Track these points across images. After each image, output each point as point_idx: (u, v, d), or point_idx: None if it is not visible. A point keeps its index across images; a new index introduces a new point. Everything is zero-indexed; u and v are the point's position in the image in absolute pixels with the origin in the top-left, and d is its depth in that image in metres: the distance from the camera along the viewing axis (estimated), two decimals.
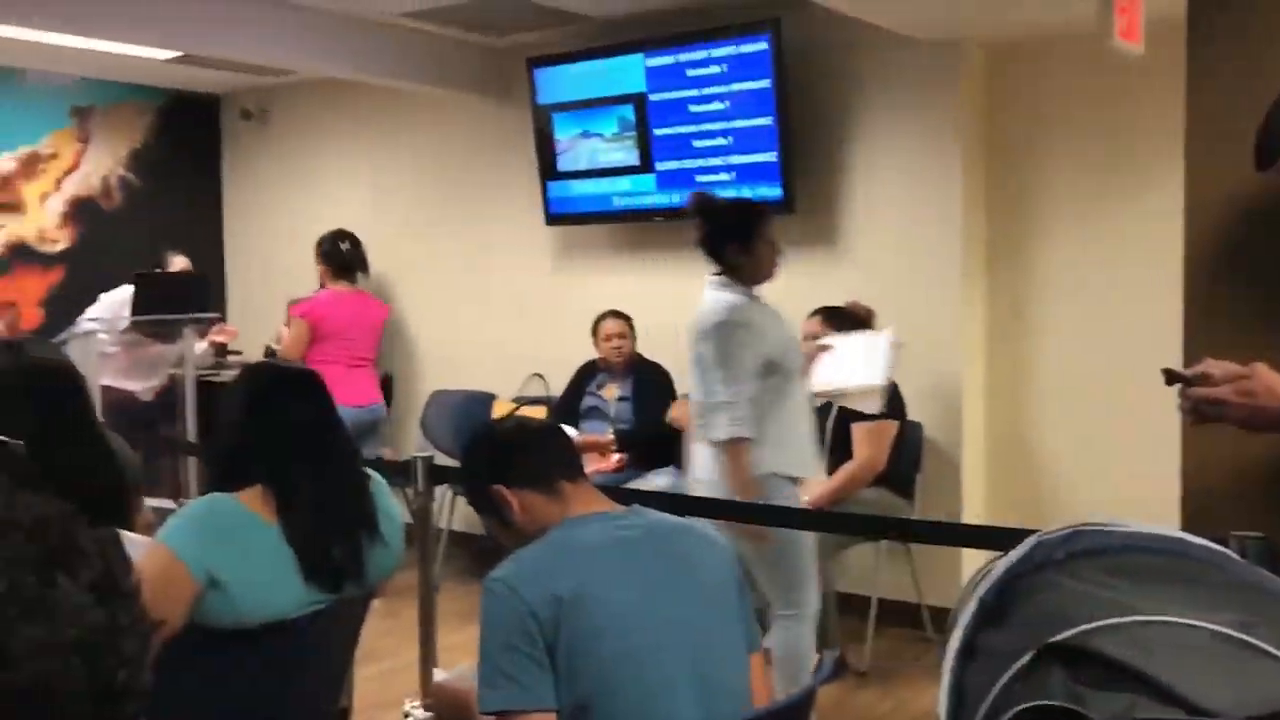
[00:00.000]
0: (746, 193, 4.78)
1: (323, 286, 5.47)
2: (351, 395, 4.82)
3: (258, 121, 6.78)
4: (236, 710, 2.10)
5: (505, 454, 1.99)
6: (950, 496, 4.53)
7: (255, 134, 6.83)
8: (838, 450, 4.17)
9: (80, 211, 6.37)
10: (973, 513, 4.56)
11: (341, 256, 5.39)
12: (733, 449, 3.21)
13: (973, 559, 4.48)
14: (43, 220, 6.23)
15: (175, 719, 1.97)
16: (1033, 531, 0.78)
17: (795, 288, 4.77)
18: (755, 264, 3.37)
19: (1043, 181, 4.54)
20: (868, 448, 4.14)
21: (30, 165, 6.18)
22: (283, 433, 2.16)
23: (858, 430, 4.15)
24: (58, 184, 6.29)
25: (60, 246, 6.29)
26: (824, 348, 3.92)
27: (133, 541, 2.21)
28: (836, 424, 4.18)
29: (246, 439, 2.18)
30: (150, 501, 3.00)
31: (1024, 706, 0.66)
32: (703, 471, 3.35)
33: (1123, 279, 4.37)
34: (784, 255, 4.86)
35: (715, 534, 2.11)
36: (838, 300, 4.36)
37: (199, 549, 2.00)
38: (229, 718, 2.10)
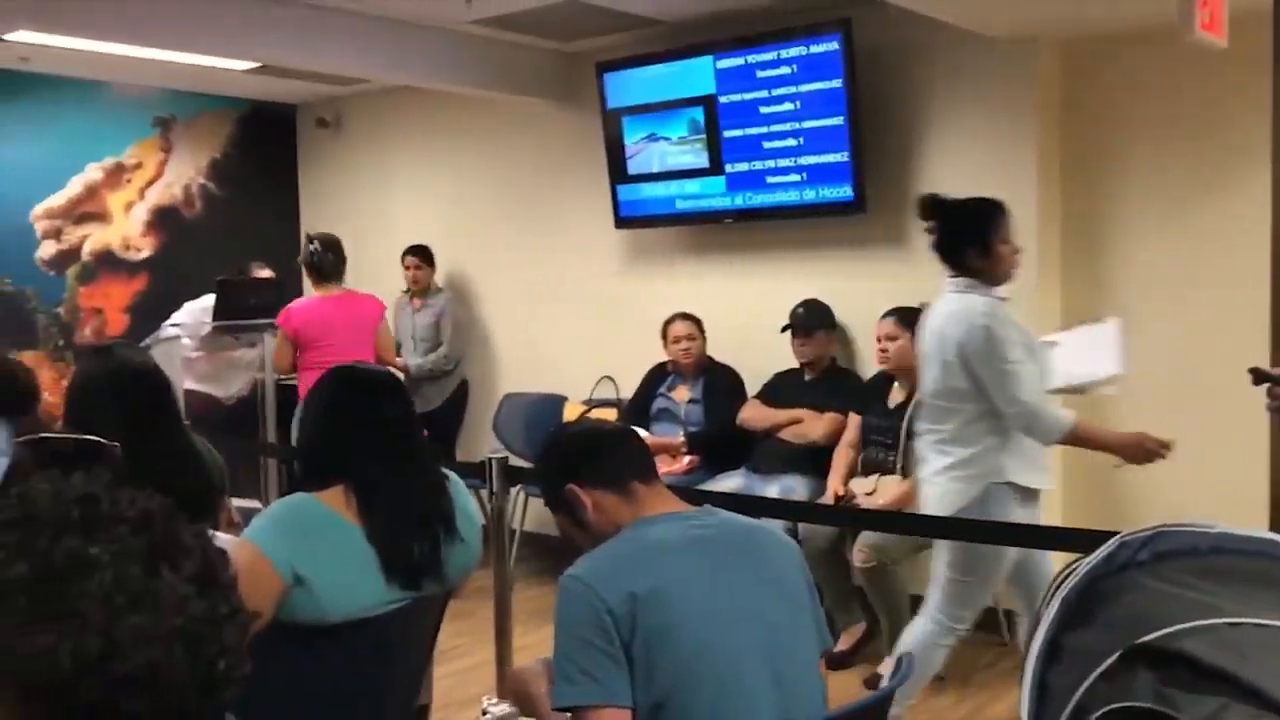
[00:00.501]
0: (816, 194, 4.77)
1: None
2: None
3: (332, 130, 6.91)
4: (319, 706, 2.14)
5: (579, 454, 2.02)
6: None
7: (330, 142, 6.96)
8: (913, 452, 4.13)
9: (163, 220, 6.54)
10: (1049, 514, 4.48)
11: (312, 261, 5.24)
12: (1074, 435, 3.16)
13: (1051, 562, 4.41)
14: (127, 229, 6.41)
15: (259, 714, 2.03)
16: (1114, 533, 0.77)
17: (867, 289, 4.76)
18: (995, 265, 3.25)
19: (1121, 181, 4.45)
20: None
21: (116, 175, 6.36)
22: (363, 434, 2.20)
23: None
24: (141, 193, 6.46)
25: (144, 254, 6.47)
26: (1049, 344, 3.78)
27: (219, 540, 2.27)
28: (911, 425, 4.14)
29: (328, 440, 2.23)
30: (235, 502, 3.07)
31: (1112, 708, 0.66)
32: (933, 474, 3.27)
33: (1206, 279, 4.26)
34: (857, 256, 4.88)
35: (784, 534, 2.13)
36: (910, 302, 4.32)
37: (284, 547, 2.05)
38: (312, 714, 2.14)
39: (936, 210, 3.32)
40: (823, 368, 4.73)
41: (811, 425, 4.59)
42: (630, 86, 5.23)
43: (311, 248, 5.29)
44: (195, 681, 0.81)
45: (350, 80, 6.20)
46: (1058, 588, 0.76)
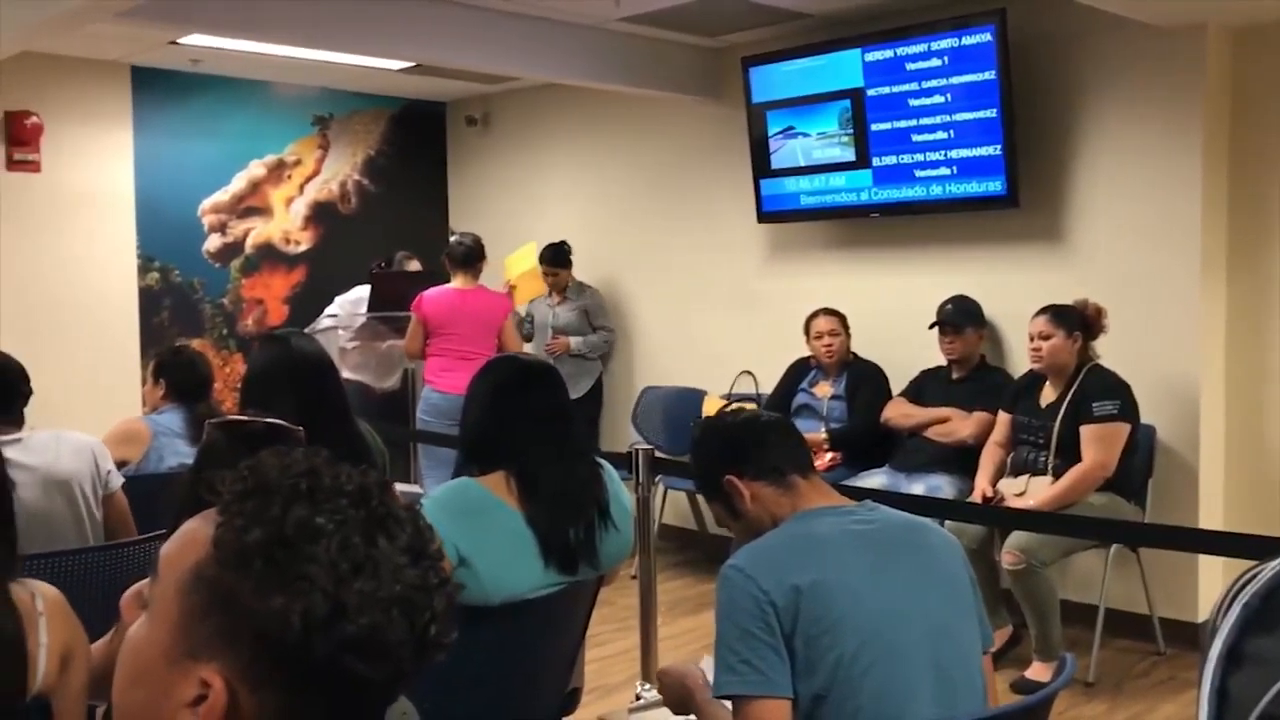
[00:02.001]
0: (967, 187, 4.68)
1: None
2: (451, 384, 5.09)
3: (480, 127, 7.07)
4: (478, 687, 2.21)
5: (740, 445, 2.01)
6: (1184, 503, 4.30)
7: (478, 139, 7.13)
8: (1065, 453, 4.03)
9: (320, 214, 6.80)
10: (1209, 521, 4.32)
11: (454, 252, 5.44)
12: None
13: (1210, 569, 4.26)
14: (287, 223, 6.68)
15: (420, 693, 2.11)
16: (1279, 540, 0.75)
17: (1019, 285, 4.66)
18: None
19: None
20: (1097, 451, 3.98)
21: (277, 171, 6.64)
22: (524, 421, 2.27)
23: (1087, 432, 3.99)
24: (301, 189, 6.73)
25: (302, 248, 6.73)
26: None
27: None
28: (1064, 425, 4.04)
29: (490, 427, 2.31)
30: (400, 487, 3.18)
31: None
32: None
33: None
34: (1008, 251, 4.77)
35: (946, 532, 2.09)
36: (1064, 299, 4.21)
37: (450, 529, 2.12)
38: (471, 694, 2.20)
39: None
40: (971, 365, 4.64)
41: (959, 424, 4.51)
42: (776, 81, 5.22)
43: (452, 240, 5.56)
44: (411, 645, 0.86)
45: (499, 78, 6.34)
46: (1237, 593, 0.75)
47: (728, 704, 1.81)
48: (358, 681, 0.84)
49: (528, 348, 5.84)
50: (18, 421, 2.78)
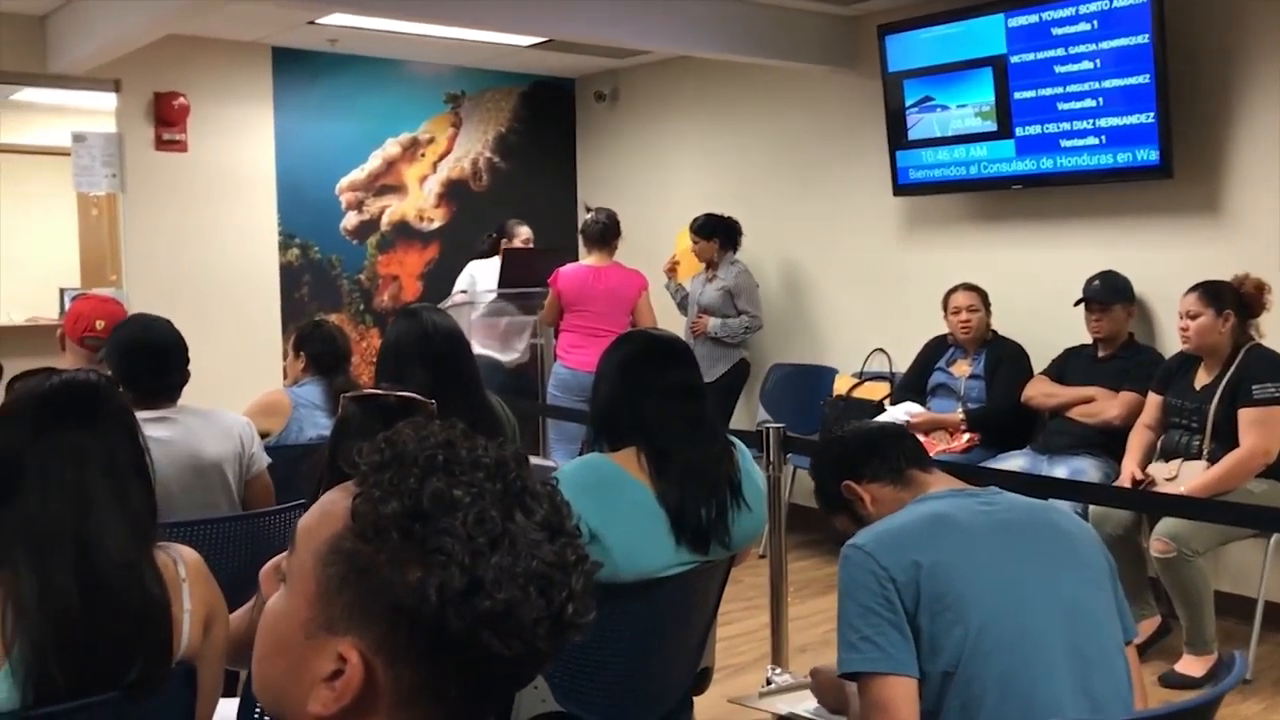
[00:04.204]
0: (1117, 157, 4.47)
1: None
2: (579, 360, 5.13)
3: (609, 103, 7.06)
4: (609, 665, 2.19)
5: (854, 453, 2.03)
6: None
7: (606, 114, 7.11)
8: (1221, 437, 3.82)
9: (452, 192, 6.88)
10: None
11: (589, 229, 5.45)
12: None
13: None
14: (420, 200, 6.79)
15: (551, 670, 2.10)
16: None
17: (1173, 260, 4.43)
18: None
19: None
20: (1257, 435, 3.76)
21: (411, 149, 6.74)
22: (655, 397, 2.23)
23: (1245, 416, 3.77)
24: (434, 166, 6.83)
25: (435, 225, 6.83)
26: None
27: None
28: (1220, 408, 3.83)
29: (619, 402, 2.27)
30: (533, 460, 3.19)
31: None
32: None
33: None
34: (1161, 224, 4.54)
35: (1079, 518, 2.04)
36: (1223, 274, 3.98)
37: (581, 504, 2.07)
38: (602, 673, 2.19)
39: None
40: (1118, 344, 4.43)
41: (1105, 404, 4.32)
42: (913, 49, 5.07)
43: (588, 216, 5.56)
44: (548, 623, 0.83)
45: (628, 53, 6.31)
46: None
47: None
48: (493, 659, 0.82)
49: (680, 323, 5.77)
50: (172, 396, 2.80)
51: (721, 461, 2.27)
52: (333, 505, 0.87)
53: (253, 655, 0.90)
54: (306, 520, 0.89)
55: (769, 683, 2.18)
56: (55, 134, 6.38)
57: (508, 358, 5.98)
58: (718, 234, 5.70)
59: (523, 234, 6.04)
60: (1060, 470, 4.23)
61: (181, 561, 1.71)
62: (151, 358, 2.75)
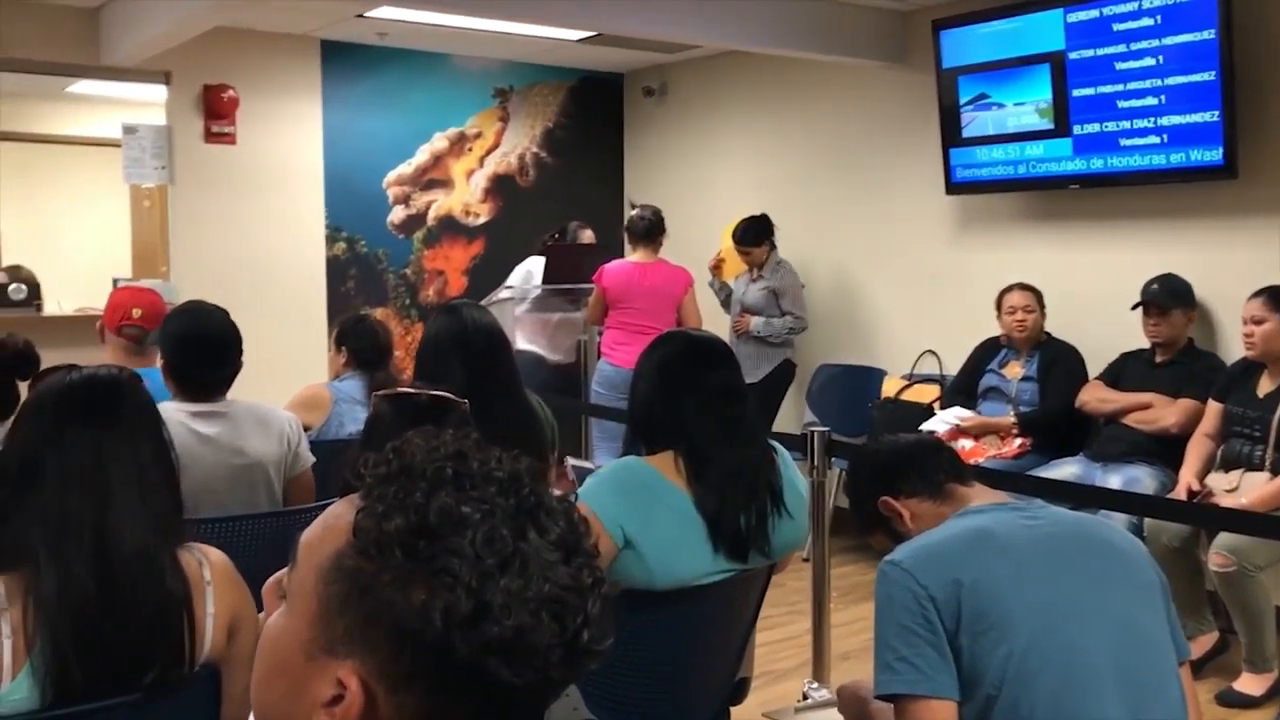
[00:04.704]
0: (1179, 157, 4.33)
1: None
2: (624, 358, 5.03)
3: (657, 98, 7.00)
4: (643, 674, 2.14)
5: (888, 467, 1.96)
6: None
7: (655, 110, 7.05)
8: None
9: (499, 187, 6.86)
10: None
11: (634, 225, 5.39)
12: None
13: None
14: (467, 195, 6.77)
15: (585, 678, 2.05)
16: None
17: (1236, 264, 4.29)
18: None
19: None
20: None
21: (458, 144, 6.72)
22: (691, 398, 2.17)
23: None
24: (481, 161, 6.80)
25: (481, 220, 6.81)
26: None
27: None
28: None
29: (656, 404, 2.21)
30: (571, 461, 3.14)
31: None
32: None
33: None
34: (1225, 227, 4.41)
35: (1128, 531, 1.95)
36: None
37: (615, 509, 2.05)
38: (636, 681, 2.13)
39: None
40: (1177, 349, 4.29)
41: (1162, 411, 4.19)
42: (969, 44, 4.95)
43: (633, 213, 5.49)
44: (561, 650, 0.77)
45: (677, 47, 6.24)
46: None
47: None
48: (503, 688, 0.76)
49: (722, 322, 5.69)
50: (222, 390, 2.73)
51: (762, 466, 2.20)
52: (336, 519, 0.82)
53: (252, 677, 0.86)
54: (309, 534, 0.84)
55: (805, 698, 2.11)
56: (108, 126, 6.43)
57: (554, 356, 5.94)
58: (764, 237, 5.58)
59: (585, 237, 6.01)
60: (1114, 479, 4.11)
61: (207, 563, 1.68)
62: (204, 350, 2.67)
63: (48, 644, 1.48)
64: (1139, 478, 4.11)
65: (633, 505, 2.07)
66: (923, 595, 1.65)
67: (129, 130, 5.68)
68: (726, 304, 5.80)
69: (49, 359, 2.64)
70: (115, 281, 6.55)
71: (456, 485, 0.78)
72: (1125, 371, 4.43)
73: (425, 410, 1.87)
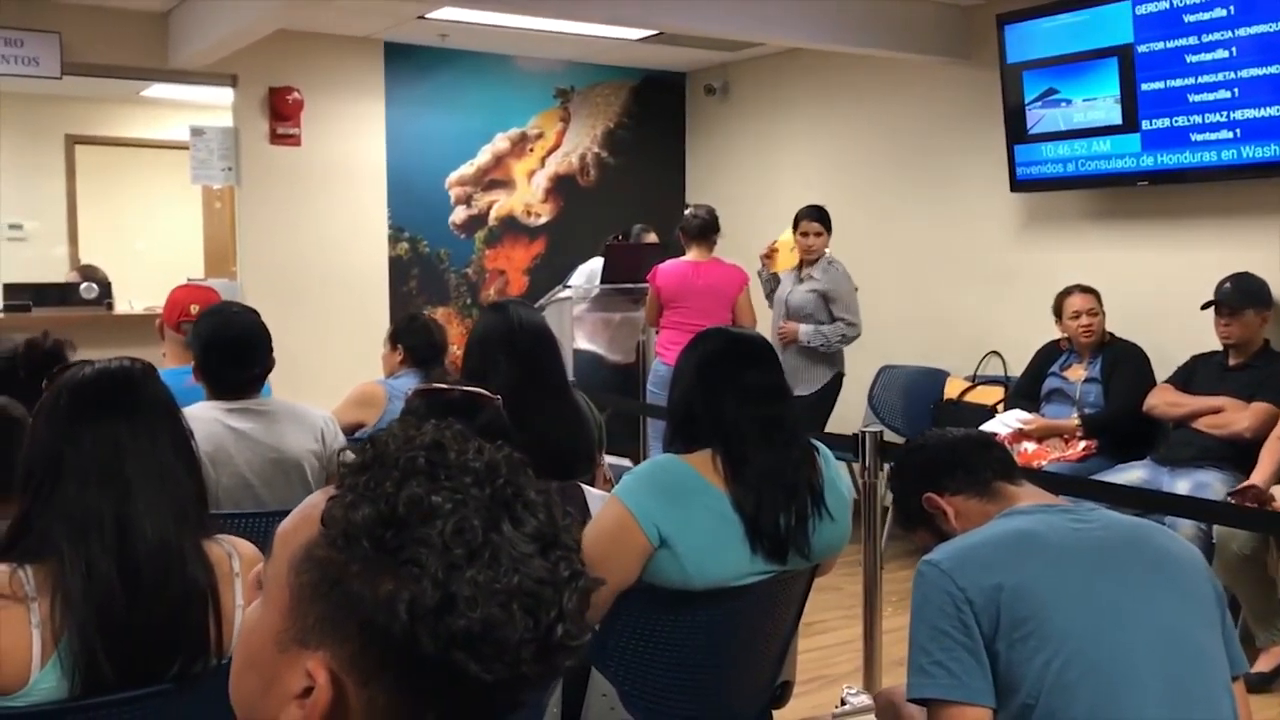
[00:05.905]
0: (1253, 152, 4.20)
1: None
2: (676, 358, 4.87)
3: (719, 96, 6.96)
4: (680, 674, 2.11)
5: (934, 463, 1.91)
6: None
7: (717, 108, 7.02)
8: None
9: (560, 187, 6.87)
10: None
11: (688, 224, 5.33)
12: None
13: None
14: (528, 195, 6.80)
15: (621, 675, 2.03)
16: None
17: None
18: None
19: None
20: None
21: (520, 144, 6.75)
22: (729, 397, 2.13)
23: None
24: (542, 161, 6.83)
25: (542, 220, 6.83)
26: None
27: (592, 495, 2.30)
28: None
29: (694, 402, 2.18)
30: (609, 459, 3.13)
31: None
32: None
33: None
34: None
35: (1183, 539, 1.87)
36: None
37: (650, 507, 2.02)
38: (673, 680, 2.11)
39: None
40: (1251, 351, 4.15)
41: (1235, 415, 4.05)
42: (1034, 39, 4.85)
43: (687, 212, 5.46)
44: (534, 646, 0.75)
45: (738, 46, 6.20)
46: None
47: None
48: (472, 683, 0.74)
49: (764, 318, 5.54)
50: (254, 388, 2.75)
51: (802, 467, 2.16)
52: (311, 509, 0.81)
53: (230, 670, 0.85)
54: (285, 524, 0.83)
55: (843, 703, 2.06)
56: (181, 130, 6.56)
57: (614, 355, 5.93)
58: (829, 225, 5.26)
59: (648, 238, 6.00)
60: (1182, 484, 3.98)
61: (236, 555, 1.69)
62: (229, 352, 2.71)
63: (74, 636, 1.50)
64: (1208, 483, 3.98)
65: (669, 504, 2.05)
66: (960, 598, 1.60)
67: (196, 132, 5.79)
68: (771, 296, 5.53)
69: (112, 355, 2.69)
70: (188, 281, 6.70)
71: (430, 475, 0.77)
72: (1197, 374, 4.29)
73: (457, 405, 1.87)
